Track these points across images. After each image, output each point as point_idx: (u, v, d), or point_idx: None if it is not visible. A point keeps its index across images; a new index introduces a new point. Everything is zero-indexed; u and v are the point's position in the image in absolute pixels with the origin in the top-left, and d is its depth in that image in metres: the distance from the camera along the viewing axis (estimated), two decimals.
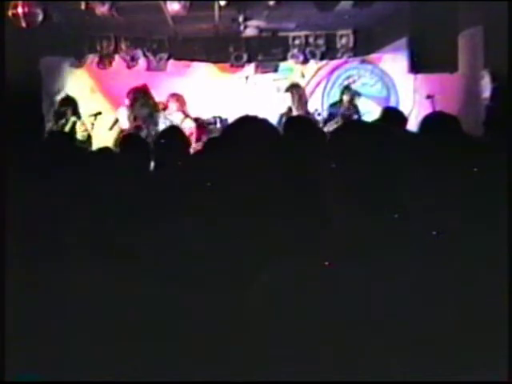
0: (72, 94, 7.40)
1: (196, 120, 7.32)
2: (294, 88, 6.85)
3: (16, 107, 4.55)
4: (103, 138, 7.43)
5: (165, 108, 7.22)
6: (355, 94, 7.56)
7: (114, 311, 1.61)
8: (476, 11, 5.41)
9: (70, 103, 7.23)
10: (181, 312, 1.51)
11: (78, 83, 8.11)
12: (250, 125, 1.84)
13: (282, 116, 7.53)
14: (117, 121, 7.28)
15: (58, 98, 7.48)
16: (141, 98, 7.44)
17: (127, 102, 7.63)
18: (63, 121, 7.02)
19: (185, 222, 1.75)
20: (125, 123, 7.77)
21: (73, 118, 7.11)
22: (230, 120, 2.01)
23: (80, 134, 6.94)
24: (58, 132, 6.15)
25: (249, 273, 1.46)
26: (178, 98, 7.43)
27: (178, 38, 8.34)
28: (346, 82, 8.22)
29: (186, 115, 7.27)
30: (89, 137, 7.09)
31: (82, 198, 2.26)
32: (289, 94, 6.77)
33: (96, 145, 7.08)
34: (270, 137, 1.79)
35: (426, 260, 1.51)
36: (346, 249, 1.48)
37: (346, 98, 7.66)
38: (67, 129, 6.94)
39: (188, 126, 7.19)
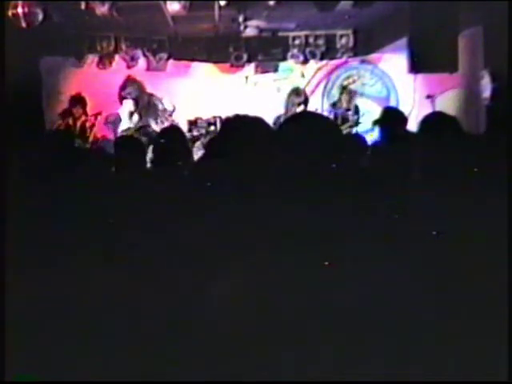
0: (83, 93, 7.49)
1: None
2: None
3: (16, 107, 4.55)
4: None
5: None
6: (353, 94, 7.58)
7: (114, 311, 1.61)
8: (476, 11, 5.41)
9: (81, 102, 7.29)
10: (181, 312, 1.51)
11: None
12: (243, 124, 1.84)
13: (279, 118, 7.54)
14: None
15: (68, 96, 7.53)
16: (139, 87, 7.56)
17: (131, 94, 7.68)
18: (70, 119, 7.07)
19: (185, 222, 1.75)
20: (128, 120, 7.82)
21: (83, 118, 7.17)
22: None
23: (87, 133, 7.00)
24: (59, 131, 6.16)
25: (248, 272, 1.46)
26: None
27: (178, 38, 8.33)
28: (345, 83, 8.23)
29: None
30: (90, 136, 7.15)
31: (83, 198, 2.26)
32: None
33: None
34: (264, 135, 1.78)
35: (426, 260, 1.51)
36: (345, 248, 1.48)
37: (344, 98, 7.68)
38: (77, 127, 7.01)
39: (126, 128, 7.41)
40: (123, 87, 8.34)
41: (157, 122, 8.12)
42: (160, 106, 8.31)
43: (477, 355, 1.39)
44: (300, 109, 7.77)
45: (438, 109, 6.09)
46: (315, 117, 1.89)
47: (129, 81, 8.38)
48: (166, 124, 7.79)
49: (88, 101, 7.51)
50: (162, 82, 8.50)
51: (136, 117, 7.98)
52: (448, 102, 6.35)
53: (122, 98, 8.30)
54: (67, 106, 7.30)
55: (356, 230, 1.51)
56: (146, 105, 8.23)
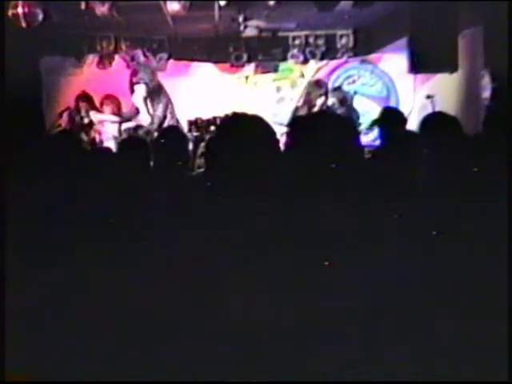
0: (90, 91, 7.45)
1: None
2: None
3: (16, 107, 4.54)
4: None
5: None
6: (346, 94, 7.54)
7: (114, 311, 1.61)
8: (476, 11, 5.41)
9: (89, 100, 7.28)
10: (181, 313, 1.51)
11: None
12: (242, 122, 1.83)
13: (297, 109, 7.49)
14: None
15: (72, 95, 7.51)
16: (151, 72, 7.43)
17: (144, 79, 7.51)
18: (78, 117, 7.06)
19: (184, 222, 1.75)
20: (143, 105, 7.67)
21: (90, 114, 7.17)
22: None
23: (92, 131, 7.00)
24: (60, 131, 6.16)
25: (249, 272, 1.46)
26: (112, 99, 7.41)
27: (178, 38, 8.33)
28: (344, 83, 8.22)
29: (122, 118, 7.26)
30: (94, 134, 7.16)
31: (83, 198, 2.26)
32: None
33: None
34: (264, 134, 1.78)
35: (426, 260, 1.51)
36: (345, 248, 1.48)
37: (336, 99, 7.65)
38: (85, 124, 7.00)
39: (126, 128, 7.23)
40: (134, 73, 8.26)
41: (167, 111, 8.01)
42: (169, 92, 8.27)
43: (477, 355, 1.39)
44: (321, 100, 7.66)
45: (438, 109, 6.09)
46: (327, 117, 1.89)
47: (141, 65, 8.32)
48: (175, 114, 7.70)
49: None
50: (162, 82, 8.50)
51: (149, 103, 7.87)
52: (448, 102, 6.35)
53: (132, 85, 8.20)
54: (73, 105, 7.30)
55: (356, 230, 1.51)
56: (157, 88, 8.14)
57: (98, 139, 7.25)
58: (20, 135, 2.90)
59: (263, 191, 1.62)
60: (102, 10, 6.47)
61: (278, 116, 7.78)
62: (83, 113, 7.20)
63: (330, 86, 8.35)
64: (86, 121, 7.13)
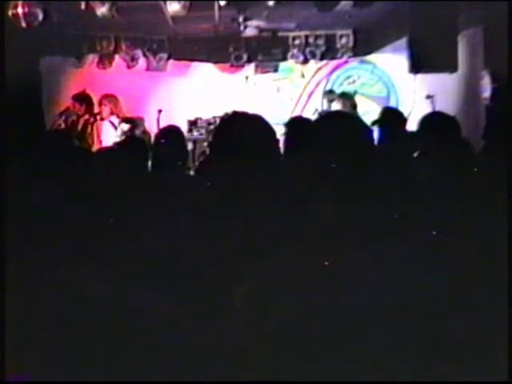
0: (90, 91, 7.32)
1: (131, 121, 7.03)
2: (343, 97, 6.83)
3: (16, 107, 4.55)
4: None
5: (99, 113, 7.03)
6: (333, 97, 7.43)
7: (114, 312, 1.61)
8: (476, 11, 5.41)
9: (86, 100, 7.17)
10: (180, 313, 1.51)
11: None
12: (243, 122, 1.83)
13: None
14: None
15: (73, 93, 7.38)
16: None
17: None
18: (74, 117, 6.99)
19: (184, 222, 1.75)
20: None
21: (86, 116, 7.07)
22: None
23: (88, 133, 6.92)
24: (59, 131, 6.14)
25: (249, 272, 1.47)
26: (110, 99, 7.19)
27: (178, 38, 8.34)
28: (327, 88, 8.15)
29: (122, 118, 7.03)
30: (92, 136, 7.08)
31: (83, 198, 2.27)
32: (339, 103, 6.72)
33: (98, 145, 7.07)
34: (265, 133, 1.78)
35: (424, 261, 1.51)
36: (345, 248, 1.48)
37: (325, 101, 7.57)
38: (79, 127, 6.92)
39: (125, 129, 6.98)
40: None
41: None
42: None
43: (477, 355, 1.39)
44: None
45: (437, 109, 6.09)
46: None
47: None
48: None
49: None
50: (162, 82, 8.50)
51: None
52: (448, 102, 6.35)
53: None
54: (70, 104, 7.22)
55: (356, 229, 1.51)
56: None
57: (97, 139, 7.19)
58: (20, 135, 2.90)
59: (263, 191, 1.62)
60: (101, 10, 6.47)
61: (278, 116, 7.80)
62: (80, 113, 7.11)
63: (329, 85, 8.37)
64: (81, 121, 7.04)
